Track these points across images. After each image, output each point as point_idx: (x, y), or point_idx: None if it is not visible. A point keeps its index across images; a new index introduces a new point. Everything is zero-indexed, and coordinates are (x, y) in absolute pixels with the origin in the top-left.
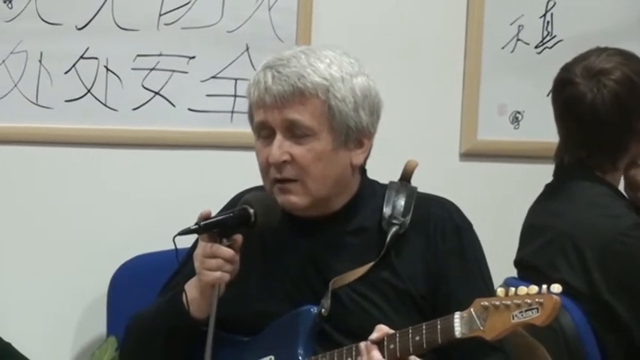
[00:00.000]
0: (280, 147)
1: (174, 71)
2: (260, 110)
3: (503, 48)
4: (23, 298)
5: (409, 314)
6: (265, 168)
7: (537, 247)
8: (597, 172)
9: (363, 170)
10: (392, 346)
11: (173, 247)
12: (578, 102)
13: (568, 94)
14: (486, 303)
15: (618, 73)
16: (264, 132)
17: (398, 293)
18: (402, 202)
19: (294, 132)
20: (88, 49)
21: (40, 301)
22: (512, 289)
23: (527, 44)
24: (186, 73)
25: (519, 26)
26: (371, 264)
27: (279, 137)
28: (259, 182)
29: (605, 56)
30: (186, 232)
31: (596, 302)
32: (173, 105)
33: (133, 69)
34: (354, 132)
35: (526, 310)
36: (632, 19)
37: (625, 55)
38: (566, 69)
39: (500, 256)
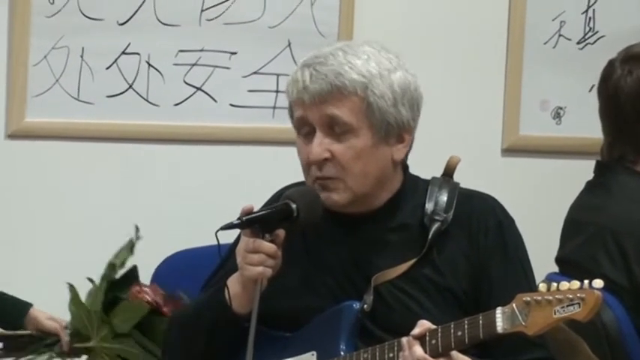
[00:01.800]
0: (320, 145)
1: (216, 67)
2: (299, 108)
3: (545, 44)
4: (65, 294)
5: (451, 311)
6: (306, 166)
7: (579, 243)
8: (633, 166)
9: (405, 166)
10: (434, 342)
11: (214, 242)
12: (606, 81)
13: (603, 73)
14: (528, 298)
15: None
16: (304, 129)
17: (440, 290)
18: (444, 197)
19: (334, 129)
20: (129, 44)
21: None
22: (554, 285)
23: (569, 40)
24: (228, 68)
25: (561, 22)
26: (413, 261)
27: (319, 134)
28: (300, 177)
29: None
30: (229, 226)
31: (638, 297)
32: (215, 100)
33: (174, 64)
34: (394, 127)
35: (568, 306)
36: None
37: None
38: (618, 52)
39: (542, 252)
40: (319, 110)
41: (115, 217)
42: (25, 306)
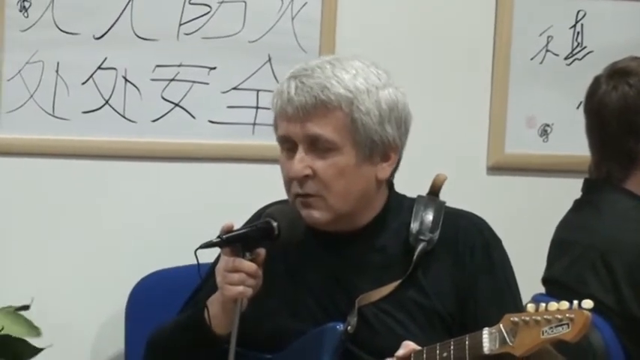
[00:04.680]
0: (302, 161)
1: (194, 82)
2: (283, 122)
3: (532, 59)
4: (41, 312)
5: (437, 333)
6: (288, 182)
7: (566, 263)
8: (620, 183)
9: (390, 184)
10: None
11: (193, 261)
12: (592, 97)
13: (588, 90)
14: (516, 319)
15: (637, 78)
16: (287, 145)
17: (425, 312)
18: (430, 217)
19: (317, 146)
20: (106, 59)
21: (57, 316)
22: (543, 305)
23: (557, 55)
24: (207, 84)
25: (549, 37)
26: (397, 282)
27: (300, 151)
28: (281, 195)
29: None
30: (209, 245)
31: (626, 318)
32: (193, 117)
33: (152, 80)
34: (378, 146)
35: (556, 326)
36: None
37: None
38: (604, 68)
39: (528, 271)
40: (302, 127)
41: (91, 236)
42: None
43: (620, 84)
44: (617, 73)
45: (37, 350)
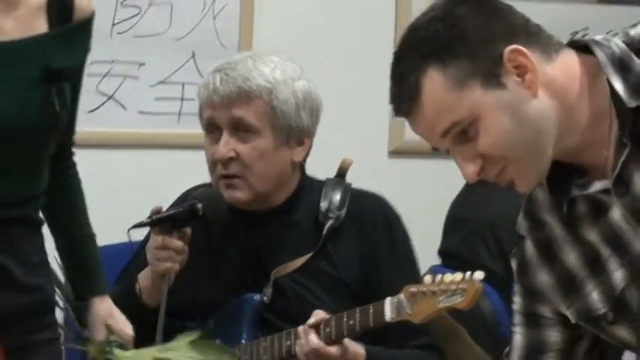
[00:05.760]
0: (226, 144)
1: (126, 76)
2: (209, 110)
3: None
4: None
5: (344, 301)
6: (212, 164)
7: (460, 236)
8: None
9: (302, 167)
10: (328, 330)
11: (126, 240)
12: None
13: None
14: (415, 289)
15: None
16: (212, 129)
17: (334, 282)
18: (337, 197)
19: (240, 129)
20: None
21: None
22: (439, 277)
23: None
24: (137, 78)
25: None
26: (309, 255)
27: (225, 135)
28: (205, 179)
29: None
30: (140, 225)
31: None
32: (125, 108)
33: (87, 74)
34: (295, 131)
35: (451, 296)
36: None
37: None
38: None
39: (425, 245)
40: (227, 112)
41: None
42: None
43: None
44: None
45: None
